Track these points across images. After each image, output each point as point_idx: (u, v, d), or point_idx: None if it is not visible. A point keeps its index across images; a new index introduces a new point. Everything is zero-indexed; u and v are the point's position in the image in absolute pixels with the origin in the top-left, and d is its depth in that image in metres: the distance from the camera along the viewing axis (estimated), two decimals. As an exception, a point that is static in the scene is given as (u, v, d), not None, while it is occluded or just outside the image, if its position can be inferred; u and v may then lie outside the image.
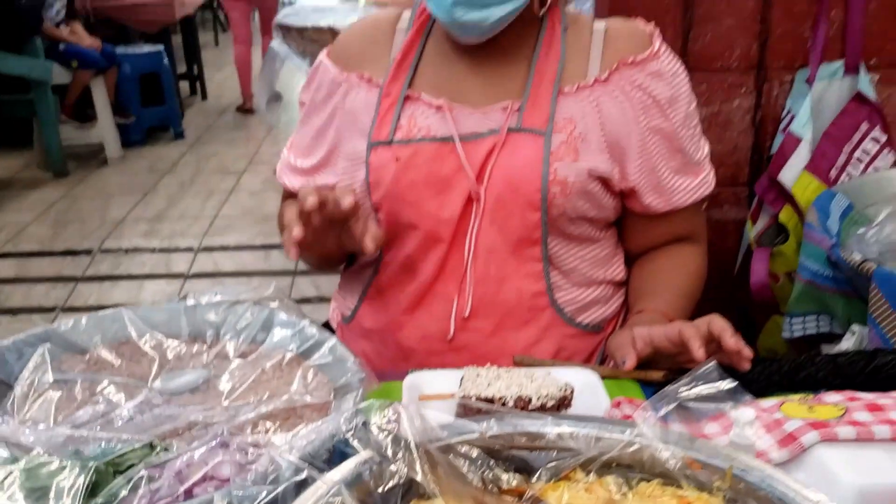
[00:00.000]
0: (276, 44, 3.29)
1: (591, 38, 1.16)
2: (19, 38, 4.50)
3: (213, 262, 3.68)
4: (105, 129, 5.17)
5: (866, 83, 1.61)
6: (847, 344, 1.30)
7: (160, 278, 3.53)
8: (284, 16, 3.29)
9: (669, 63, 1.15)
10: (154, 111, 5.65)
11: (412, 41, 1.18)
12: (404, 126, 1.13)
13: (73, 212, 4.33)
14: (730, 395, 0.76)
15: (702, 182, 1.21)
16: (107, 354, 0.94)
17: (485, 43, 1.13)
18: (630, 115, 1.13)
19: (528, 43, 1.15)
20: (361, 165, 1.15)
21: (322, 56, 1.24)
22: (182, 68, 6.84)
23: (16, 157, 5.23)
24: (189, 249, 3.79)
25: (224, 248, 3.82)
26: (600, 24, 1.17)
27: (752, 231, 1.62)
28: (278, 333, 0.97)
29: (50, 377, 0.88)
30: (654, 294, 1.19)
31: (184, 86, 6.84)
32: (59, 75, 4.84)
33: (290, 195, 1.31)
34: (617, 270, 1.25)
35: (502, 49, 1.15)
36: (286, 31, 3.21)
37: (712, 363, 0.77)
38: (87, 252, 3.76)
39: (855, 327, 1.30)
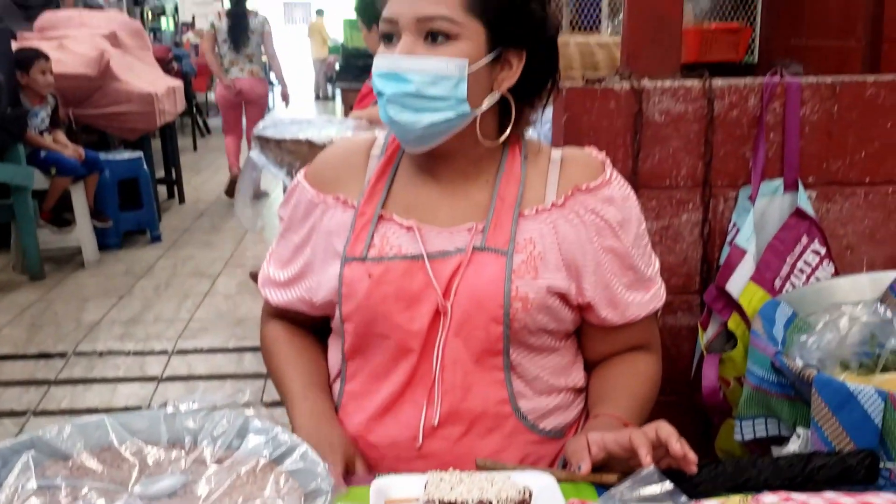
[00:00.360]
0: (255, 154, 3.37)
1: (549, 165, 1.25)
2: (3, 145, 4.58)
3: (186, 365, 3.69)
4: (83, 233, 5.21)
5: (805, 199, 1.71)
6: (793, 446, 1.35)
7: (134, 381, 3.52)
8: (263, 128, 3.37)
9: (620, 189, 1.25)
10: (132, 215, 5.72)
11: (385, 166, 1.27)
12: (377, 244, 1.21)
13: (48, 315, 4.33)
14: (669, 497, 0.82)
15: (653, 296, 1.29)
16: (89, 460, 0.97)
17: (450, 168, 1.23)
18: (584, 236, 1.21)
19: (491, 169, 1.25)
20: (335, 280, 1.22)
21: (300, 177, 1.32)
22: (160, 172, 6.95)
23: (-8, 260, 5.25)
24: (163, 352, 3.80)
25: (198, 351, 3.82)
26: (557, 153, 1.27)
27: (703, 338, 1.69)
28: (253, 440, 1.00)
29: (34, 483, 0.89)
30: (609, 400, 1.26)
31: (162, 189, 6.94)
32: (39, 181, 4.89)
33: (274, 312, 1.38)
34: (577, 377, 1.31)
35: (467, 174, 1.24)
36: (264, 142, 3.28)
37: (651, 467, 0.84)
38: (62, 355, 3.75)
39: (800, 430, 1.35)
